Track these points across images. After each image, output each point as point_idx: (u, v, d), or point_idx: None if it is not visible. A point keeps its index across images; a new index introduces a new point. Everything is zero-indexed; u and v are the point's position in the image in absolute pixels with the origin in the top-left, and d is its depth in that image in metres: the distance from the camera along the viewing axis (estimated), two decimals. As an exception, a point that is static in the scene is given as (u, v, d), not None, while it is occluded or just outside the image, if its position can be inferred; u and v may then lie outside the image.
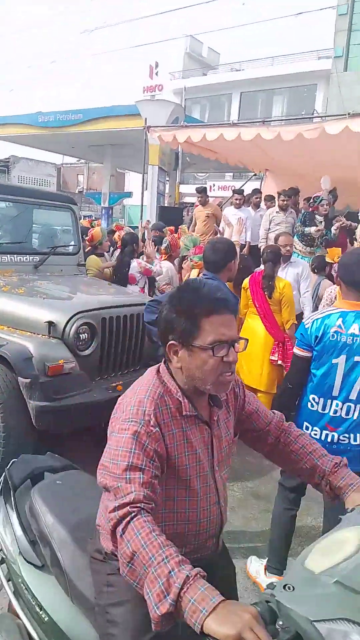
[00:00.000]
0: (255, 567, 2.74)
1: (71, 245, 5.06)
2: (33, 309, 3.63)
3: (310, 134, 6.05)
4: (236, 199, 8.21)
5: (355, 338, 2.29)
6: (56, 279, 4.47)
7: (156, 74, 29.47)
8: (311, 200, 7.13)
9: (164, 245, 5.86)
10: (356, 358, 2.31)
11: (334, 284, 5.15)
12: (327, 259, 5.70)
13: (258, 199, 8.66)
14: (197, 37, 28.35)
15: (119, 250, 5.80)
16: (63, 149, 21.01)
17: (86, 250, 5.60)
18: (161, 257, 5.77)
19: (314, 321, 2.40)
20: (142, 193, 9.52)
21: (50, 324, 3.45)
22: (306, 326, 2.42)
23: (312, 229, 6.50)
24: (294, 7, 31.65)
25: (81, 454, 3.97)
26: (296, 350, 2.50)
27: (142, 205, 9.48)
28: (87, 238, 5.53)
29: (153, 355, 4.07)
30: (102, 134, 15.36)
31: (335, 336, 2.32)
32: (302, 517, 2.93)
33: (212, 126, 7.87)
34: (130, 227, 9.44)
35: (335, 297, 4.53)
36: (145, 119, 8.68)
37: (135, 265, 5.32)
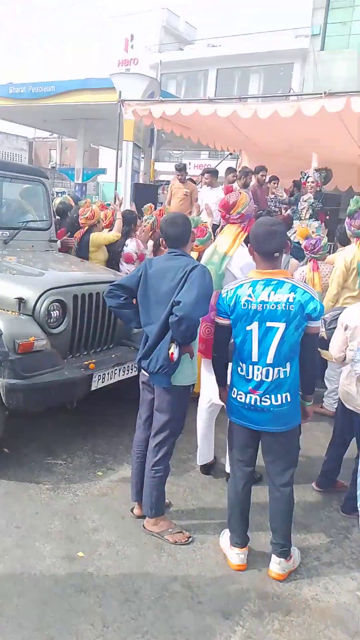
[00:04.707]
0: (224, 540, 2.81)
1: (43, 220, 4.94)
2: (2, 285, 3.54)
3: (286, 112, 6.00)
4: (206, 178, 8.14)
5: (265, 305, 2.44)
6: (27, 255, 4.35)
7: (131, 47, 28.77)
8: (300, 176, 7.28)
9: (150, 221, 5.83)
10: (268, 324, 2.45)
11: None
12: (297, 238, 5.67)
13: (234, 177, 8.59)
14: (174, 10, 27.74)
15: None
16: (35, 122, 20.45)
17: (83, 229, 5.32)
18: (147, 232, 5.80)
19: (227, 291, 2.58)
20: (116, 170, 9.34)
21: (21, 300, 3.38)
22: (223, 295, 2.59)
23: (304, 197, 6.71)
24: (272, -17, 31.19)
25: (52, 432, 3.95)
26: (216, 319, 2.67)
27: (116, 182, 9.31)
28: (87, 215, 5.25)
29: (127, 334, 4.04)
30: (76, 108, 15.00)
31: (247, 305, 2.48)
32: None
33: (188, 101, 7.73)
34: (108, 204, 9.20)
35: (305, 278, 4.59)
36: (120, 92, 8.48)
37: (134, 246, 5.34)
